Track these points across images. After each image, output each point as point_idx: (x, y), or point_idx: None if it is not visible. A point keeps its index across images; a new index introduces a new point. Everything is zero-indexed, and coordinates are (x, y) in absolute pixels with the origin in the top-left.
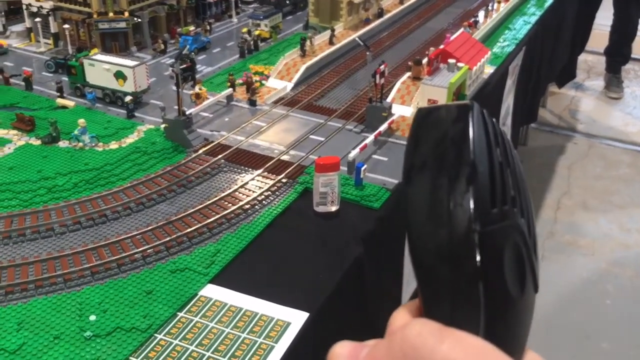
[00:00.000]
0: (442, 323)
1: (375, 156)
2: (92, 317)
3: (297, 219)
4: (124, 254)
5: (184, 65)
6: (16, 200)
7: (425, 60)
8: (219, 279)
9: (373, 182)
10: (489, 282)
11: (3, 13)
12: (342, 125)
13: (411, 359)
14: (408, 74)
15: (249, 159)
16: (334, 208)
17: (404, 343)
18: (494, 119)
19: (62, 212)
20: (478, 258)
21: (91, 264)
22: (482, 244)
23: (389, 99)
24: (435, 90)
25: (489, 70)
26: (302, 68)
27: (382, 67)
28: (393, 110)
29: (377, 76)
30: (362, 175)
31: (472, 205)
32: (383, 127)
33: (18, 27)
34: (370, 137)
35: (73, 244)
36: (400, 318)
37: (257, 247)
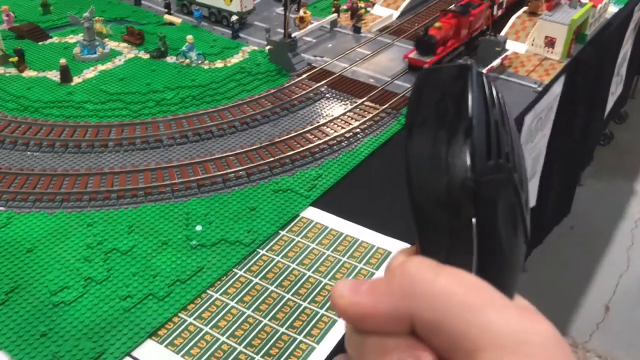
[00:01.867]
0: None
1: None
2: (198, 228)
3: (399, 151)
4: (229, 170)
5: None
6: (126, 111)
7: None
8: (320, 203)
9: None
10: (482, 228)
11: None
12: (451, 57)
13: (409, 291)
14: (524, 8)
15: (352, 87)
16: None
17: (402, 277)
18: (492, 82)
19: (170, 125)
20: (473, 205)
21: (197, 177)
22: (477, 193)
23: (502, 33)
24: (555, 27)
25: (613, 10)
26: None
27: None
28: (507, 46)
29: (495, 7)
30: None
31: (468, 156)
32: (495, 63)
33: None
34: (482, 70)
35: (180, 157)
36: (399, 258)
37: (358, 175)
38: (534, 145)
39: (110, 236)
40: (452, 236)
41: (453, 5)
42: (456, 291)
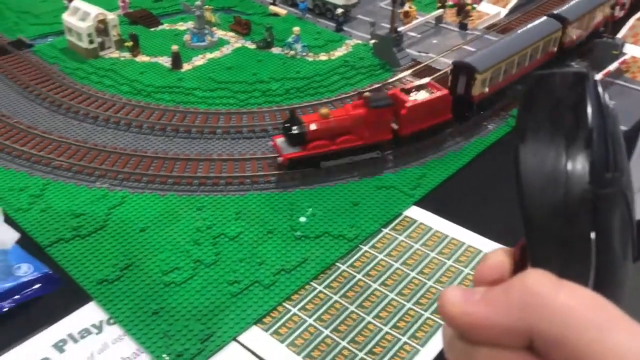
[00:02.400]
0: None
1: None
2: (302, 219)
3: (507, 154)
4: (332, 163)
5: None
6: (233, 99)
7: None
8: (424, 202)
9: None
10: (600, 242)
11: None
12: (562, 59)
13: (529, 304)
14: None
15: None
16: None
17: (523, 290)
18: (604, 90)
19: (275, 116)
20: (591, 218)
21: (302, 169)
22: (596, 205)
23: (619, 35)
24: None
25: None
26: None
27: None
28: (625, 49)
29: (617, 7)
30: None
31: (588, 167)
32: (613, 67)
33: None
34: (598, 77)
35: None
36: (499, 260)
37: (464, 176)
38: None
39: (219, 221)
40: (567, 249)
41: (367, 92)
42: (579, 308)
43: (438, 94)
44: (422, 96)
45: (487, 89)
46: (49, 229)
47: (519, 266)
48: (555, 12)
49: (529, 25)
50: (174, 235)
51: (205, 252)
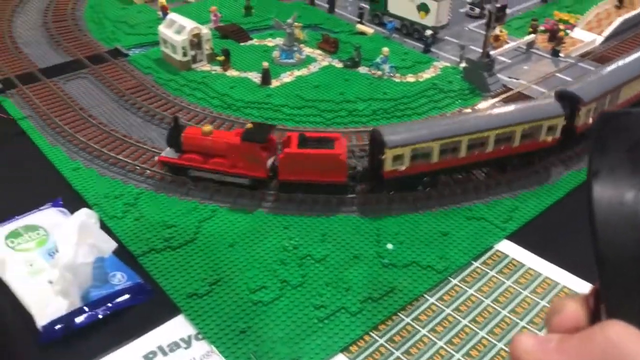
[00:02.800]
0: (629, 323)
1: None
2: (390, 246)
3: None
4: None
5: (499, 4)
6: (320, 118)
7: None
8: (516, 236)
9: None
10: None
11: None
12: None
13: (611, 358)
14: None
15: None
16: None
17: (605, 343)
18: None
19: (362, 137)
20: None
21: (389, 194)
22: None
23: None
24: None
25: None
26: (618, 21)
27: None
28: None
29: None
30: None
31: None
32: None
33: None
34: None
35: None
36: (574, 308)
37: (558, 210)
38: None
39: (305, 242)
40: None
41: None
42: None
43: (328, 152)
44: (314, 148)
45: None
46: (142, 238)
47: (593, 313)
48: None
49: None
50: (261, 253)
51: (291, 273)
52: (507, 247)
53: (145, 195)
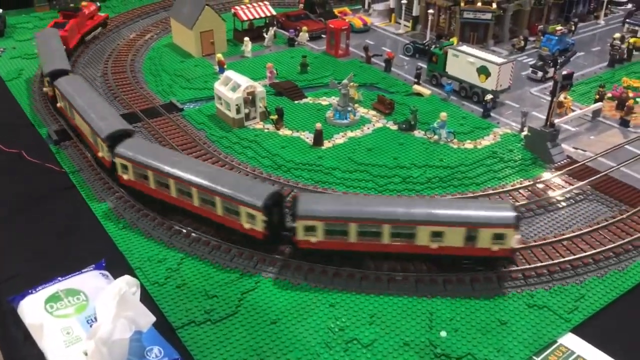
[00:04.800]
0: None
1: None
2: (443, 333)
3: None
4: (474, 273)
5: (566, 72)
6: (372, 183)
7: None
8: (582, 330)
9: None
10: None
11: None
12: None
13: None
14: None
15: (621, 191)
16: None
17: None
18: None
19: None
20: None
21: (444, 273)
22: None
23: None
24: None
25: None
26: None
27: None
28: None
29: None
30: None
31: None
32: None
33: (380, 6)
34: None
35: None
36: None
37: (629, 302)
38: None
39: (352, 323)
40: None
41: None
42: None
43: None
44: None
45: None
46: (182, 308)
47: None
48: None
49: None
50: (305, 333)
51: (336, 359)
52: (572, 342)
53: (189, 260)
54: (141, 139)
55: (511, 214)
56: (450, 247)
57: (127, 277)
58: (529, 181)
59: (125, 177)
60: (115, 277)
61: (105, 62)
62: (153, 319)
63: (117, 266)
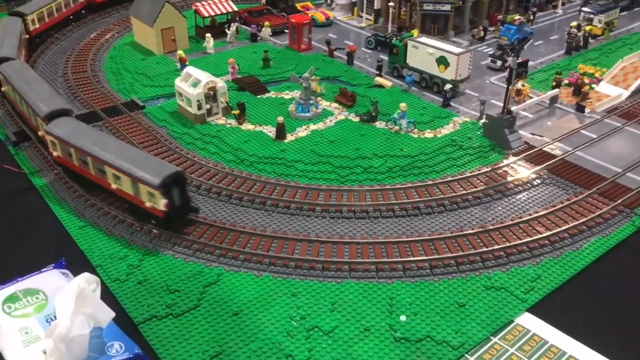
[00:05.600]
0: None
1: None
2: (403, 318)
3: (634, 259)
4: (437, 256)
5: (520, 59)
6: (335, 175)
7: None
8: (539, 309)
9: None
10: None
11: None
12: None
13: None
14: None
15: (576, 175)
16: None
17: None
18: None
19: (377, 196)
20: None
21: (404, 259)
22: None
23: None
24: None
25: None
26: None
27: None
28: None
29: None
30: None
31: None
32: None
33: (342, 0)
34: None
35: (386, 232)
36: None
37: (584, 281)
38: None
39: (314, 311)
40: None
41: None
42: None
43: None
44: None
45: None
46: (144, 303)
47: None
48: None
49: None
50: (267, 323)
51: (298, 347)
52: (529, 321)
53: (150, 256)
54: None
55: (157, 179)
56: (125, 192)
57: (86, 275)
58: (488, 167)
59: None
60: (75, 275)
61: (65, 62)
62: (112, 314)
63: (78, 265)
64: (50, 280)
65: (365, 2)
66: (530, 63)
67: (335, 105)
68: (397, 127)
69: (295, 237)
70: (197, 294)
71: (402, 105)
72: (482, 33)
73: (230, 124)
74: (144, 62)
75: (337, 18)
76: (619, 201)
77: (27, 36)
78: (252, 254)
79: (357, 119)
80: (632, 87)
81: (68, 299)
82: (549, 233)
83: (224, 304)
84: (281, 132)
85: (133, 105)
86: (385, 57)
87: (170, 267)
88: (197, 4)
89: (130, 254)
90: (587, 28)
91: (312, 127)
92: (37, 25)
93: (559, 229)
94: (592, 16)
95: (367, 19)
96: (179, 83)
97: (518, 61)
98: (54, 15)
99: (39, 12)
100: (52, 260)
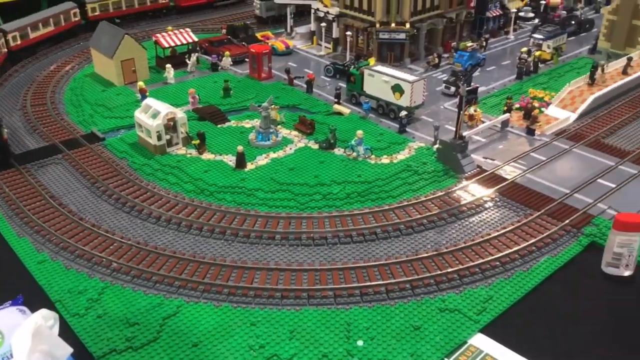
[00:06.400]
0: None
1: None
2: (360, 343)
3: (581, 277)
4: (393, 280)
5: (469, 87)
6: (294, 202)
7: None
8: (491, 330)
9: None
10: None
11: (292, 15)
12: (638, 172)
13: None
14: None
15: (526, 197)
16: (627, 273)
17: None
18: None
19: (336, 223)
20: None
21: (361, 284)
22: None
23: None
24: None
25: None
26: (590, 98)
27: None
28: None
29: None
30: None
31: None
32: None
33: (302, 29)
34: None
35: (344, 258)
36: None
37: (534, 300)
38: None
39: (272, 339)
40: None
41: None
42: None
43: None
44: None
45: None
46: (103, 337)
47: None
48: None
49: None
50: (226, 354)
51: None
52: (481, 342)
53: (111, 289)
54: None
55: None
56: None
57: (43, 311)
58: (442, 191)
59: None
60: (33, 312)
61: (24, 94)
62: (70, 350)
63: (36, 301)
64: (6, 318)
65: (324, 31)
66: (482, 88)
67: (295, 133)
68: (354, 154)
69: (254, 266)
70: (156, 326)
71: (359, 132)
72: (436, 60)
73: (190, 154)
74: (104, 94)
75: (297, 47)
76: (567, 221)
77: None
78: (212, 284)
79: (316, 146)
80: (579, 110)
81: (25, 337)
82: (500, 254)
83: (183, 335)
84: (241, 161)
85: (93, 137)
86: (343, 85)
87: (130, 299)
88: (157, 35)
89: (89, 287)
90: (537, 53)
91: (272, 155)
92: None
93: (509, 250)
94: (541, 42)
95: (326, 47)
96: (139, 114)
97: (468, 88)
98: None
99: None
100: (9, 298)
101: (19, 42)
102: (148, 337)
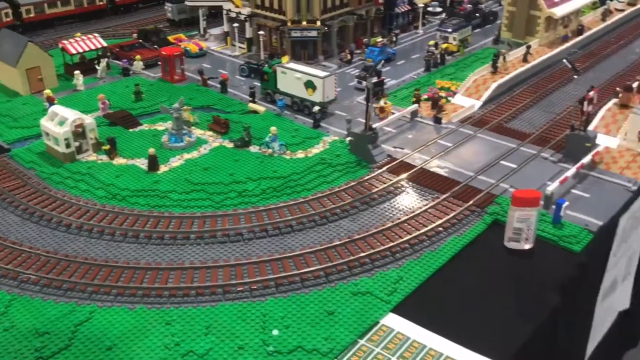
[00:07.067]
0: None
1: (575, 191)
2: (275, 332)
3: (486, 254)
4: (307, 269)
5: (375, 80)
6: (209, 201)
7: (636, 86)
8: (401, 309)
9: (572, 221)
10: None
11: (205, 17)
12: (537, 152)
13: None
14: (614, 100)
15: (433, 181)
16: (527, 246)
17: None
18: None
19: (251, 218)
20: None
21: (276, 275)
22: None
23: (591, 127)
24: None
25: None
26: (493, 86)
27: (591, 93)
28: (597, 141)
29: (585, 103)
30: (562, 213)
31: None
32: (586, 159)
33: (216, 31)
34: (572, 170)
35: (260, 252)
36: None
37: (442, 278)
38: (628, 245)
39: (188, 337)
40: None
41: None
42: None
43: None
44: None
45: None
46: (10, 350)
47: None
48: None
49: None
50: (142, 354)
51: None
52: (393, 321)
53: (18, 301)
54: None
55: None
56: None
57: None
58: (355, 181)
59: None
60: None
61: None
62: None
63: None
64: None
65: (237, 31)
66: (393, 81)
67: (210, 133)
68: (270, 150)
69: (168, 267)
70: (68, 334)
71: (273, 128)
72: (349, 56)
73: (101, 159)
74: (9, 104)
75: (211, 48)
76: (471, 202)
77: None
78: (125, 287)
79: (231, 145)
80: (483, 98)
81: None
82: (409, 237)
83: (97, 340)
84: (153, 164)
85: None
86: (258, 84)
87: (39, 310)
88: (64, 41)
89: None
90: (444, 46)
91: (187, 156)
92: None
93: (418, 232)
94: (447, 34)
95: (240, 47)
96: (45, 123)
97: (374, 81)
98: None
99: None
100: None
101: None
102: (59, 345)
